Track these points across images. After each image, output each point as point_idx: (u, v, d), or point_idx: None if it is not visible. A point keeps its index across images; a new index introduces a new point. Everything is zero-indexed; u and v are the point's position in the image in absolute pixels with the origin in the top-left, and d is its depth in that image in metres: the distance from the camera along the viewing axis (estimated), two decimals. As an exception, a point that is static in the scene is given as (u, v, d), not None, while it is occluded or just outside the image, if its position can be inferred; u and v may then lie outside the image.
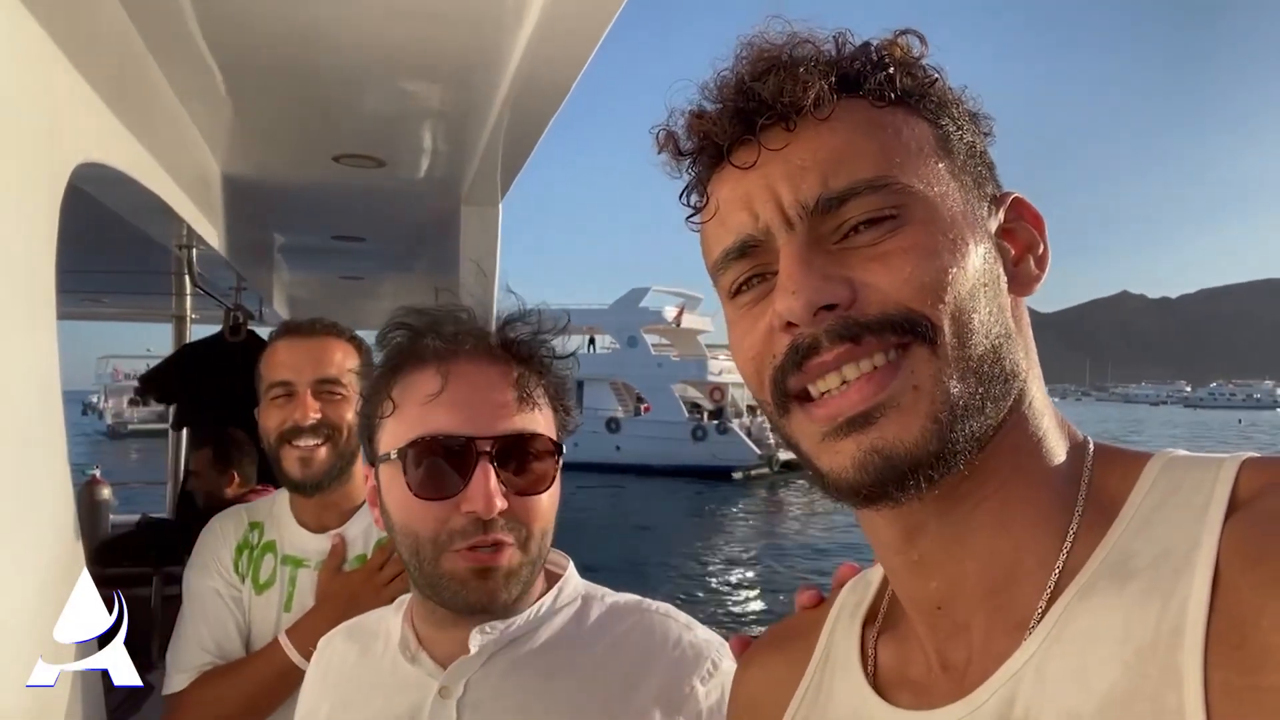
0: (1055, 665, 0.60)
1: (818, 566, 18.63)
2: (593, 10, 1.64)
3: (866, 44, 0.69)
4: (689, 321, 44.48)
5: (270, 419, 1.76)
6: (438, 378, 1.08)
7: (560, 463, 1.14)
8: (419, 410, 1.08)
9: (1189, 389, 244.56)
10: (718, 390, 40.80)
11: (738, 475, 35.78)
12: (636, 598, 1.25)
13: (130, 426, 57.90)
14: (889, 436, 0.61)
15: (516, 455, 1.08)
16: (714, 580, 18.03)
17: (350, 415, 1.77)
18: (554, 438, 1.14)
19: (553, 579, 1.22)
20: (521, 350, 1.13)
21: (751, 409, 40.41)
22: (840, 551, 19.25)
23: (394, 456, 1.08)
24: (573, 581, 1.24)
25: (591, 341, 44.04)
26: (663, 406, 39.52)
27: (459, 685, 1.10)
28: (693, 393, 41.94)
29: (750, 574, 18.70)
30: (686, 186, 0.73)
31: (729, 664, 1.13)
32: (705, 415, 39.51)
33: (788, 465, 36.00)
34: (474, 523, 1.05)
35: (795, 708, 0.81)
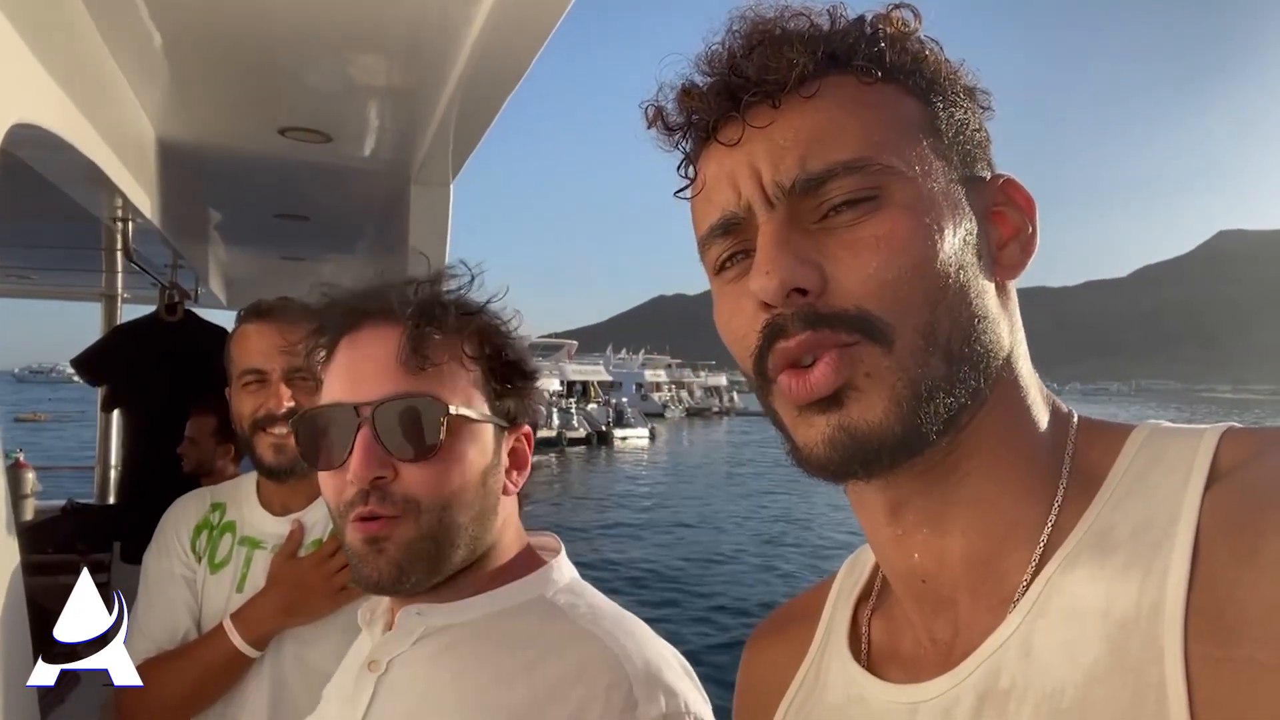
0: (1040, 639, 0.60)
1: (598, 507, 24.73)
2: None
3: (861, 18, 0.68)
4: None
5: (244, 405, 1.74)
6: (338, 348, 1.07)
7: (450, 424, 1.02)
8: (325, 384, 1.07)
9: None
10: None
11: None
12: (611, 611, 1.09)
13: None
14: (854, 415, 0.62)
15: (402, 420, 1.00)
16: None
17: None
18: (447, 398, 1.02)
19: (535, 564, 1.14)
20: (419, 309, 1.04)
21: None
22: (619, 498, 26.89)
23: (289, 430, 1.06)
24: (541, 576, 1.11)
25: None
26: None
27: (384, 662, 1.06)
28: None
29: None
30: (682, 160, 0.73)
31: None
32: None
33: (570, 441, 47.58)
34: (360, 493, 1.00)
35: (794, 692, 0.81)
